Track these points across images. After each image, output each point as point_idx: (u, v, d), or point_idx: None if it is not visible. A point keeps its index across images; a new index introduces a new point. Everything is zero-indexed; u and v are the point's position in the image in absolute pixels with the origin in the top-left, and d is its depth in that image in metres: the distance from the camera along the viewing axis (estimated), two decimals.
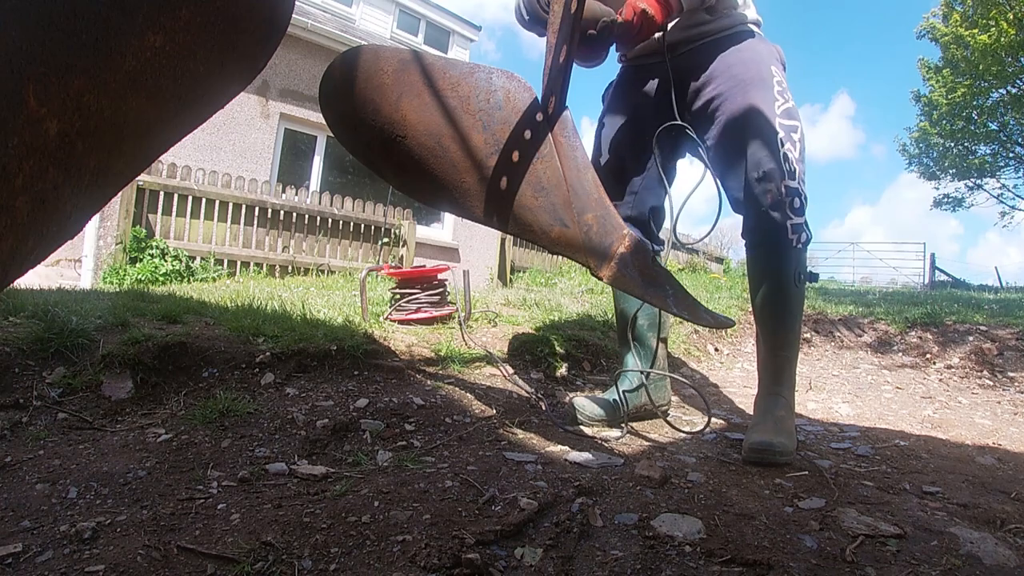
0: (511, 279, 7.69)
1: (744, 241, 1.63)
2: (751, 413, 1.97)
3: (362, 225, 7.15)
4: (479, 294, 3.35)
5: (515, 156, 1.24)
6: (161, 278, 5.34)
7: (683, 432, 1.71)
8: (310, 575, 0.86)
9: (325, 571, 0.86)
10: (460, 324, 2.31)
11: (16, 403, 1.36)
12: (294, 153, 8.35)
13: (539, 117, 1.23)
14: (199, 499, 1.07)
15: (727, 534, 1.00)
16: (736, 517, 1.07)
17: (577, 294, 3.81)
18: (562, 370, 2.21)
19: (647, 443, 1.58)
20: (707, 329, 3.15)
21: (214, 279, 5.47)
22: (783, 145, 1.50)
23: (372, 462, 1.31)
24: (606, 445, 1.53)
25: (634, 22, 1.46)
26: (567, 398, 1.97)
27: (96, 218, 5.87)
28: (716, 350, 3.14)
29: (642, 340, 1.83)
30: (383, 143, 1.34)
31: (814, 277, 1.63)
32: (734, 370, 2.91)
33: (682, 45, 1.66)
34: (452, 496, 1.10)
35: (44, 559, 0.86)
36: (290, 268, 6.47)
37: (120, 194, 5.20)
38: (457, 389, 1.79)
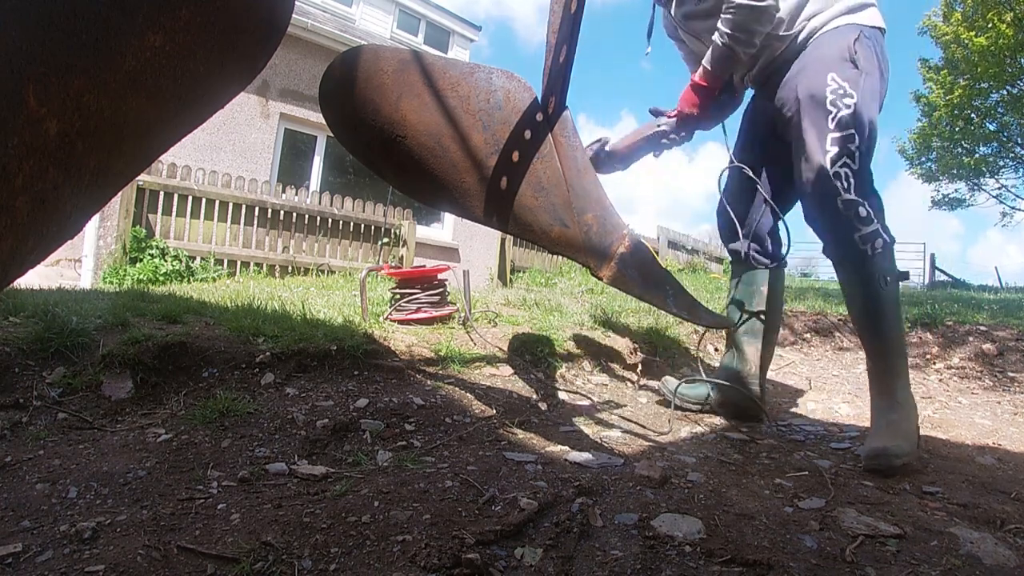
0: (511, 279, 7.69)
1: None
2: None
3: (362, 225, 7.15)
4: (479, 294, 3.35)
5: (515, 156, 1.24)
6: (161, 278, 5.34)
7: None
8: (310, 575, 0.86)
9: (325, 571, 0.86)
10: (460, 324, 2.31)
11: (16, 403, 1.36)
12: (294, 153, 8.35)
13: (539, 117, 1.23)
14: (199, 499, 1.07)
15: (727, 534, 1.00)
16: (736, 517, 1.07)
17: (577, 294, 3.80)
18: (562, 370, 2.21)
19: (647, 443, 1.58)
20: (707, 329, 3.14)
21: (214, 279, 5.47)
22: (836, 163, 1.51)
23: (372, 462, 1.31)
24: (606, 445, 1.53)
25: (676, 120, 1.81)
26: (661, 382, 2.09)
27: (96, 218, 5.87)
28: (716, 350, 3.14)
29: (739, 345, 1.91)
30: (383, 143, 1.34)
31: (904, 275, 1.60)
32: None
33: (766, 68, 1.76)
34: (452, 496, 1.10)
35: (44, 559, 0.86)
36: (290, 268, 6.46)
37: (120, 194, 5.20)
38: (457, 389, 1.79)
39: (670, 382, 2.02)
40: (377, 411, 1.55)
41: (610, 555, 0.93)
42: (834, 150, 1.51)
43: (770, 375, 2.81)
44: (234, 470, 1.21)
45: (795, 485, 1.28)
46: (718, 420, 1.89)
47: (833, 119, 1.53)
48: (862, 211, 1.51)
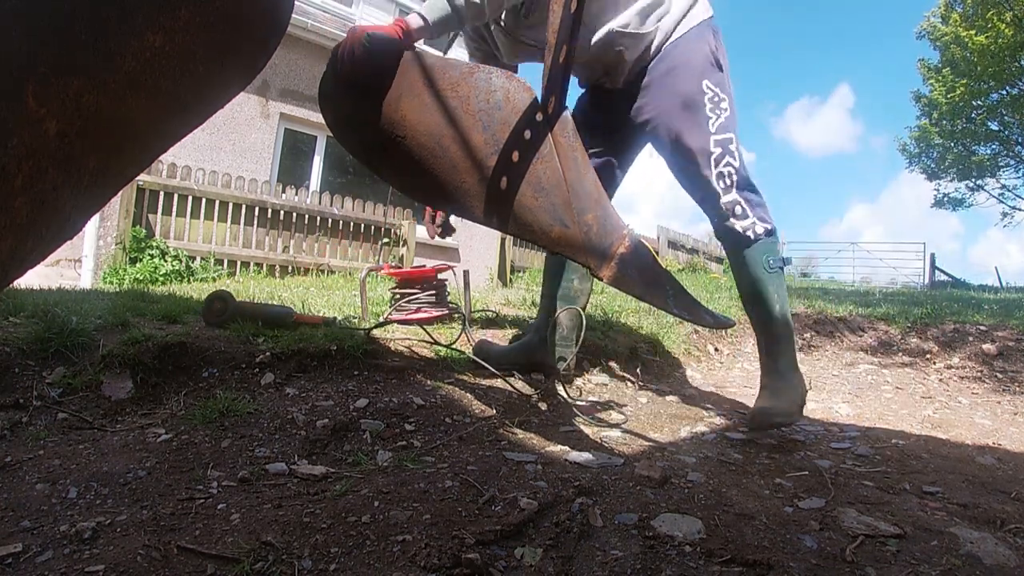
0: (511, 279, 7.69)
1: None
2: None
3: (362, 225, 7.14)
4: (479, 294, 3.35)
5: (515, 156, 1.24)
6: (161, 278, 5.34)
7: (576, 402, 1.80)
8: (310, 575, 0.86)
9: (325, 571, 0.86)
10: (461, 324, 2.31)
11: (16, 403, 1.36)
12: (294, 153, 8.34)
13: (539, 117, 1.23)
14: (199, 499, 1.07)
15: (727, 534, 1.00)
16: (736, 517, 1.07)
17: None
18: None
19: (647, 443, 1.58)
20: (707, 329, 3.15)
21: (214, 279, 5.47)
22: (719, 164, 1.65)
23: (372, 462, 1.31)
24: (606, 445, 1.53)
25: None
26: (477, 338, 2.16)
27: (96, 218, 5.86)
28: (716, 350, 3.14)
29: (555, 307, 2.06)
30: (383, 143, 1.34)
31: (787, 261, 1.76)
32: (734, 370, 2.91)
33: (628, 72, 1.76)
34: (452, 496, 1.10)
35: (44, 559, 0.86)
36: (290, 268, 6.46)
37: (120, 194, 5.20)
38: (457, 389, 1.79)
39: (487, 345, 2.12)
40: (377, 411, 1.55)
41: (610, 555, 0.93)
42: (717, 151, 1.65)
43: None
44: (234, 470, 1.21)
45: (795, 485, 1.28)
46: (718, 420, 1.89)
47: (714, 124, 1.65)
48: (738, 208, 1.67)
